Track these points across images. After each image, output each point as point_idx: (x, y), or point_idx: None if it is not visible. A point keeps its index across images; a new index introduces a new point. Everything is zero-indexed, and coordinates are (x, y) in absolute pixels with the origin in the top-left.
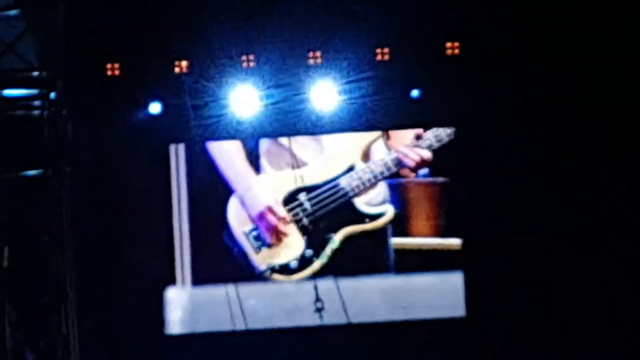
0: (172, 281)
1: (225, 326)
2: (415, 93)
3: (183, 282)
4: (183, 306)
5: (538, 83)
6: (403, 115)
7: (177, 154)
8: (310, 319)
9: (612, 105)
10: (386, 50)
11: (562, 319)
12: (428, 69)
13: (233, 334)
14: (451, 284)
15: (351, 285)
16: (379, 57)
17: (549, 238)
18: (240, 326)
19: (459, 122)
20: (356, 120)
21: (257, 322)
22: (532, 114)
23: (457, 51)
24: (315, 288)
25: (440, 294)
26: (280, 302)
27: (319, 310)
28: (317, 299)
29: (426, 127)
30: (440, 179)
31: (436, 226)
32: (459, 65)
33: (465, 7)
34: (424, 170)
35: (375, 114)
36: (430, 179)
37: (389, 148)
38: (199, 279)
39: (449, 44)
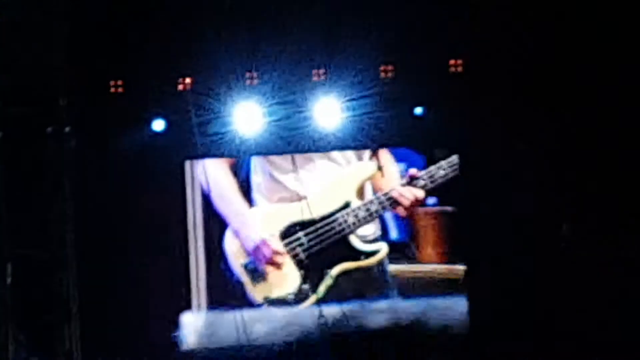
0: (187, 306)
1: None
2: (418, 110)
3: (199, 306)
4: (197, 330)
5: (543, 100)
6: (407, 133)
7: (193, 171)
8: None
9: (625, 123)
10: (390, 67)
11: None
12: (432, 86)
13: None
14: (456, 306)
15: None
16: (382, 75)
17: (558, 260)
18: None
19: (463, 139)
20: (360, 137)
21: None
22: (537, 131)
23: (460, 69)
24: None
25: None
26: (284, 317)
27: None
28: (321, 315)
29: (430, 145)
30: (449, 208)
31: (443, 254)
32: (462, 82)
33: (469, 25)
34: (432, 200)
35: (378, 132)
36: (438, 208)
37: (380, 189)
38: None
39: (452, 62)
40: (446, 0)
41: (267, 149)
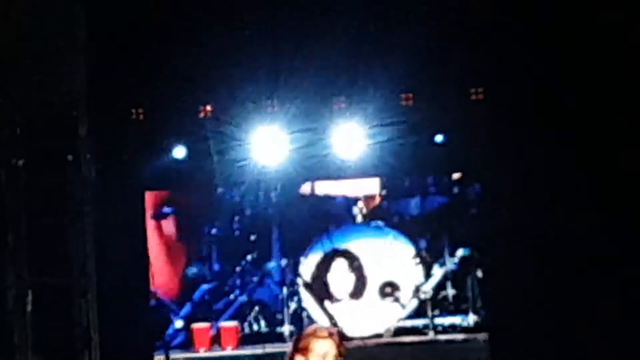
0: None
1: None
2: (439, 138)
3: None
4: None
5: (561, 127)
6: (427, 160)
7: None
8: None
9: None
10: (410, 95)
11: None
12: (452, 114)
13: None
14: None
15: None
16: (403, 102)
17: (581, 283)
18: None
19: (483, 167)
20: (380, 165)
21: None
22: (555, 158)
23: (481, 96)
24: None
25: None
26: None
27: None
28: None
29: (450, 172)
30: None
31: None
32: (483, 110)
33: (489, 53)
34: None
35: (399, 159)
36: None
37: None
38: None
39: (473, 89)
40: (467, 29)
41: (288, 177)
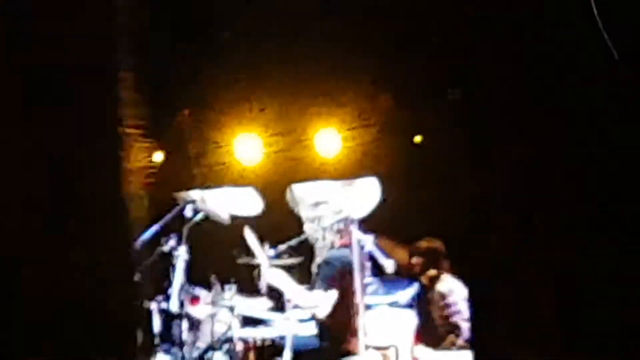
0: None
1: None
2: (417, 139)
3: None
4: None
5: (539, 127)
6: (406, 161)
7: None
8: None
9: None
10: (388, 96)
11: None
12: (430, 115)
13: None
14: None
15: None
16: (381, 104)
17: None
18: None
19: (461, 167)
20: (359, 166)
21: None
22: (533, 157)
23: (458, 97)
24: None
25: None
26: None
27: None
28: None
29: (429, 172)
30: None
31: None
32: (460, 111)
33: (466, 53)
34: None
35: (378, 160)
36: None
37: None
38: None
39: (450, 90)
40: (444, 30)
41: (266, 179)
